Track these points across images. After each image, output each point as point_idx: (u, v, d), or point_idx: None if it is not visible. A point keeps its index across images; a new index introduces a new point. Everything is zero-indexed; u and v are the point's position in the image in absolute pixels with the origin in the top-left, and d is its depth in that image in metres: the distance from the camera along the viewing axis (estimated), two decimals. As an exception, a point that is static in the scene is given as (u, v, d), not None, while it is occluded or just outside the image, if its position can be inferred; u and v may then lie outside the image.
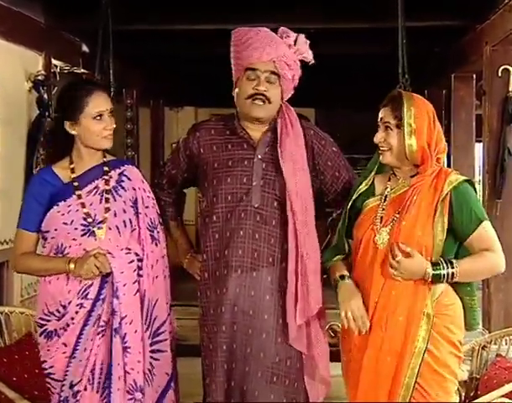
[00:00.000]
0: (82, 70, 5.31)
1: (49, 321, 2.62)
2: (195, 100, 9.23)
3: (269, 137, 2.72)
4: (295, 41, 2.67)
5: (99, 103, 2.63)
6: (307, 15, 4.73)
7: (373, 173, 2.61)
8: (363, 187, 2.60)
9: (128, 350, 2.57)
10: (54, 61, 4.78)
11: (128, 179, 2.72)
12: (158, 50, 6.16)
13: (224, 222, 2.69)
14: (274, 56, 2.63)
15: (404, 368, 2.40)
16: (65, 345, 2.60)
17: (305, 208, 2.65)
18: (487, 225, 2.47)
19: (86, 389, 2.58)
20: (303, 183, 2.66)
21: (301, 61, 2.71)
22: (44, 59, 4.61)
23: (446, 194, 2.44)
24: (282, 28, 2.72)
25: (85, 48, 5.18)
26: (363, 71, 7.15)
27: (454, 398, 2.52)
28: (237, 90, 2.73)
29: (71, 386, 2.59)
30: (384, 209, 2.52)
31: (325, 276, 2.69)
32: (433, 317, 2.42)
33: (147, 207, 2.72)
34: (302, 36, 2.70)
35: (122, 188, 2.70)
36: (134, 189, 2.71)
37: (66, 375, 2.60)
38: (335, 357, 2.73)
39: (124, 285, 2.58)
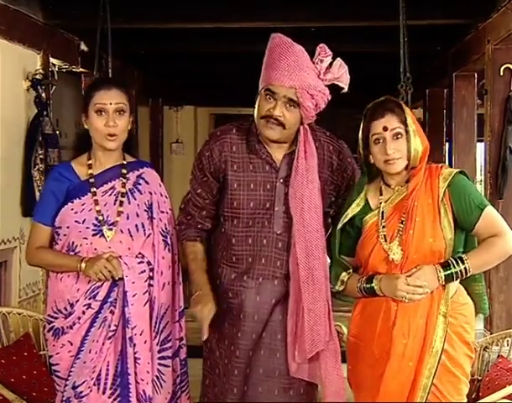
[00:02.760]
0: (81, 69, 5.29)
1: (56, 318, 2.62)
2: (195, 99, 9.23)
3: (292, 159, 2.58)
4: (331, 65, 2.50)
5: (100, 96, 2.57)
6: (308, 14, 4.70)
7: (363, 191, 2.53)
8: (356, 207, 2.52)
9: (138, 361, 2.57)
10: (52, 60, 4.76)
11: (146, 182, 2.69)
12: (157, 49, 6.14)
13: (244, 247, 2.59)
14: (297, 84, 2.45)
15: (423, 370, 2.37)
16: (71, 344, 2.59)
17: (311, 253, 2.54)
18: (489, 210, 2.44)
19: (91, 390, 2.57)
20: (311, 222, 2.54)
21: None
22: (43, 57, 4.59)
23: (444, 191, 2.42)
24: (321, 46, 2.51)
25: (83, 46, 5.15)
26: (365, 70, 7.12)
27: (465, 399, 2.50)
28: (256, 105, 2.58)
29: (74, 387, 2.58)
30: (384, 226, 2.47)
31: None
32: (448, 316, 2.40)
33: (162, 212, 2.68)
34: (338, 61, 2.51)
35: (139, 191, 2.67)
36: (151, 193, 2.68)
37: (70, 375, 2.59)
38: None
39: (134, 296, 2.57)
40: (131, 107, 2.67)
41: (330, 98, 2.54)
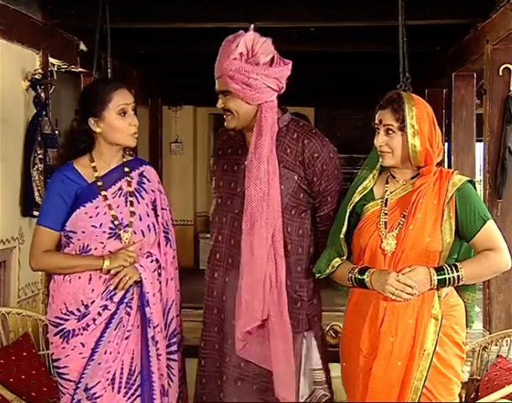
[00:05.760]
0: (80, 69, 5.29)
1: (67, 320, 2.58)
2: (194, 99, 9.22)
3: None
4: (243, 44, 2.55)
5: (122, 97, 2.61)
6: (307, 14, 4.70)
7: (372, 174, 2.56)
8: (362, 190, 2.55)
9: (159, 358, 2.60)
10: (51, 60, 4.76)
11: (148, 180, 2.73)
12: (157, 49, 6.14)
13: (214, 224, 2.72)
14: (218, 74, 2.61)
15: (414, 371, 2.38)
16: (83, 345, 2.56)
17: (253, 226, 2.56)
18: (491, 224, 2.46)
19: (106, 391, 2.56)
20: (254, 196, 2.56)
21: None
22: (42, 57, 4.58)
23: (451, 196, 2.43)
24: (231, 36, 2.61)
25: (82, 46, 5.14)
26: (364, 70, 7.13)
27: (458, 400, 2.51)
28: None
29: (86, 389, 2.56)
30: (386, 214, 2.49)
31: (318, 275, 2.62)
32: (441, 319, 2.41)
33: (163, 209, 2.73)
34: (246, 36, 2.57)
35: (144, 190, 2.70)
36: (153, 191, 2.72)
37: (82, 377, 2.56)
38: (337, 358, 2.69)
39: (153, 295, 2.60)
40: None
41: (264, 72, 2.55)
